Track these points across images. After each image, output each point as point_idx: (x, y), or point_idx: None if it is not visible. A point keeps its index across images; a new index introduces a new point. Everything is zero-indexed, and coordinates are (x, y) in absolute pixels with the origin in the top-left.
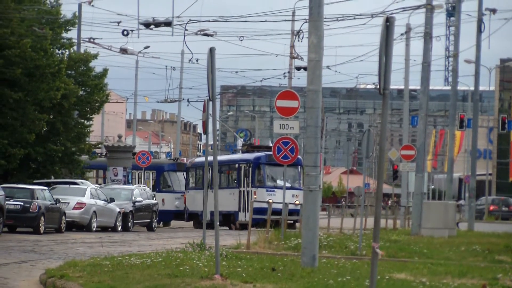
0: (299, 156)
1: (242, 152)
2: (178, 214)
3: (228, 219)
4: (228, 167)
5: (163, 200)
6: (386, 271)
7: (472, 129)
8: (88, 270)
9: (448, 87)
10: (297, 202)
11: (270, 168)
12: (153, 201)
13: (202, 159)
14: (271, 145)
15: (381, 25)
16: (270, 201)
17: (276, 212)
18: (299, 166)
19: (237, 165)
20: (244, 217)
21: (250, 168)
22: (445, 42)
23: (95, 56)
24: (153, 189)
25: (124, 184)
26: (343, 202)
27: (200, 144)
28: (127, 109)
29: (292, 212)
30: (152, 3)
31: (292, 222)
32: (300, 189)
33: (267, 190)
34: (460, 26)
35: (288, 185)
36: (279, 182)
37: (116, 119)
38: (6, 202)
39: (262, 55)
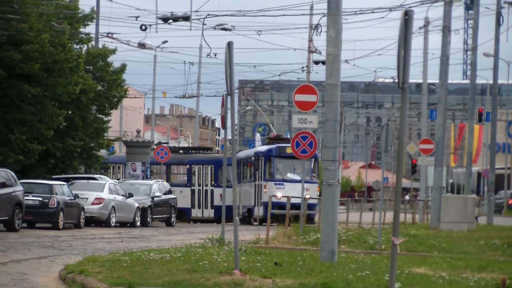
0: None
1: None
2: None
3: (249, 214)
4: (246, 161)
5: (220, 195)
6: (406, 266)
7: (491, 122)
8: (107, 265)
9: (467, 81)
10: (307, 196)
11: (281, 161)
12: (172, 196)
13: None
14: (288, 137)
15: (400, 18)
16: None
17: (284, 206)
18: (313, 159)
19: (252, 159)
20: (258, 211)
21: (262, 161)
22: (463, 36)
23: (113, 51)
24: (213, 183)
25: (143, 179)
26: (355, 197)
27: (219, 139)
28: (145, 104)
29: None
30: None
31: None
32: (312, 182)
33: (276, 184)
34: (479, 19)
35: (298, 178)
36: (289, 175)
37: (134, 114)
38: (25, 198)
39: (280, 49)
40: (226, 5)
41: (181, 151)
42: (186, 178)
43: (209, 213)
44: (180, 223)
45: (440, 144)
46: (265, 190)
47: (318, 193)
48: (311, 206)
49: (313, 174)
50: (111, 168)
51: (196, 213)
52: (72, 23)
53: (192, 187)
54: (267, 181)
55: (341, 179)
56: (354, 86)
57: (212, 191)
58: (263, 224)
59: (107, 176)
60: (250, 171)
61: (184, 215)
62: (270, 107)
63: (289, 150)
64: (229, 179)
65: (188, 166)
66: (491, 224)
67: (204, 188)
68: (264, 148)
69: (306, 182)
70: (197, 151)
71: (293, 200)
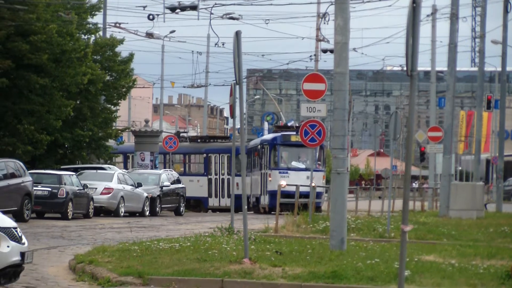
0: None
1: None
2: None
3: (257, 203)
4: (254, 150)
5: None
6: (415, 253)
7: (500, 109)
8: (117, 255)
9: (475, 68)
10: (313, 185)
11: (286, 149)
12: (180, 185)
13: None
14: (292, 124)
15: (408, 6)
16: (313, 184)
17: (289, 195)
18: (318, 147)
19: (259, 147)
20: (264, 200)
21: (267, 150)
22: (471, 23)
23: (121, 41)
24: (229, 172)
25: (152, 168)
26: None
27: (227, 128)
28: (154, 94)
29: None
30: None
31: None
32: (317, 171)
33: (280, 172)
34: (487, 7)
35: (303, 166)
36: (294, 164)
37: (142, 104)
38: (34, 188)
39: (288, 38)
40: None
41: (198, 140)
42: (203, 167)
43: (226, 202)
44: (195, 212)
45: (449, 132)
46: (269, 178)
47: (324, 181)
48: (317, 195)
49: (319, 162)
50: (122, 157)
51: (213, 202)
52: (80, 13)
53: (209, 176)
54: (271, 170)
55: (350, 168)
56: (363, 74)
57: (228, 180)
58: (272, 213)
59: (116, 166)
60: (257, 160)
61: (201, 205)
62: (279, 95)
63: (294, 138)
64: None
65: (205, 155)
66: (500, 212)
67: (221, 177)
68: (269, 136)
69: (313, 170)
70: (215, 140)
71: (291, 189)
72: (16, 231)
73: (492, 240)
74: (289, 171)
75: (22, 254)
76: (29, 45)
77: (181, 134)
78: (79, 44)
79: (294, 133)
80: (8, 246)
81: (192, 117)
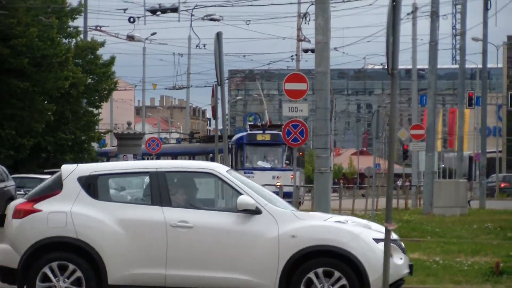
0: (280, 133)
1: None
2: None
3: None
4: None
5: None
6: None
7: (481, 106)
8: None
9: (456, 66)
10: (278, 184)
11: (251, 148)
12: None
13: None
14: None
15: (388, 5)
16: (279, 184)
17: None
18: (284, 145)
19: (229, 147)
20: None
21: (235, 149)
22: (452, 21)
23: (102, 44)
24: None
25: None
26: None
27: (210, 129)
28: (136, 96)
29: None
30: None
31: None
32: (285, 170)
33: (245, 172)
34: (467, 4)
35: (268, 166)
36: (260, 163)
37: (125, 107)
38: (17, 193)
39: (269, 38)
40: None
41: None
42: None
43: None
44: None
45: (431, 129)
46: None
47: (294, 181)
48: (286, 195)
49: (287, 162)
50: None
51: None
52: (60, 17)
53: None
54: (238, 170)
55: (333, 167)
56: (344, 73)
57: None
58: None
59: None
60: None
61: None
62: (260, 96)
63: (260, 137)
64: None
65: (211, 155)
66: (483, 208)
67: None
68: (237, 136)
69: (278, 170)
70: (221, 140)
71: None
72: (401, 243)
73: (476, 237)
74: (254, 171)
75: (411, 267)
76: (10, 49)
77: (195, 135)
78: (60, 49)
79: (261, 132)
80: (401, 259)
81: (174, 118)
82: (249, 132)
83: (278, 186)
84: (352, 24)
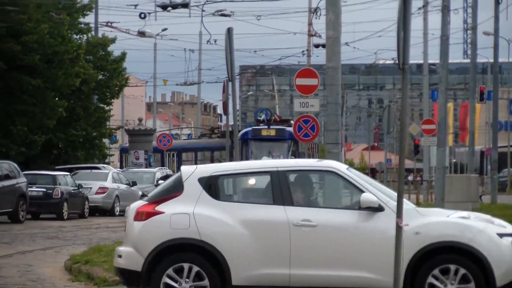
0: (286, 129)
1: None
2: None
3: None
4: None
5: None
6: None
7: (493, 101)
8: (113, 255)
9: (467, 60)
10: None
11: (256, 143)
12: None
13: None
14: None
15: None
16: None
17: None
18: (290, 141)
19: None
20: None
21: (240, 145)
22: (463, 15)
23: (113, 40)
24: None
25: (146, 167)
26: None
27: (221, 125)
28: (147, 92)
29: None
30: None
31: None
32: None
33: None
34: None
35: None
36: (265, 159)
37: (136, 103)
38: (29, 189)
39: (280, 33)
40: None
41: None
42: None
43: None
44: None
45: (442, 124)
46: None
47: None
48: None
49: (291, 157)
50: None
51: None
52: (71, 13)
53: None
54: None
55: (344, 162)
56: (355, 68)
57: None
58: None
59: (110, 165)
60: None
61: None
62: (272, 91)
63: (265, 133)
64: None
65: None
66: (495, 203)
67: None
68: (242, 131)
69: None
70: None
71: None
72: None
73: None
74: None
75: None
76: (21, 46)
77: (215, 130)
78: (71, 45)
79: (266, 127)
80: None
81: (185, 114)
82: (253, 127)
83: None
84: (363, 19)
